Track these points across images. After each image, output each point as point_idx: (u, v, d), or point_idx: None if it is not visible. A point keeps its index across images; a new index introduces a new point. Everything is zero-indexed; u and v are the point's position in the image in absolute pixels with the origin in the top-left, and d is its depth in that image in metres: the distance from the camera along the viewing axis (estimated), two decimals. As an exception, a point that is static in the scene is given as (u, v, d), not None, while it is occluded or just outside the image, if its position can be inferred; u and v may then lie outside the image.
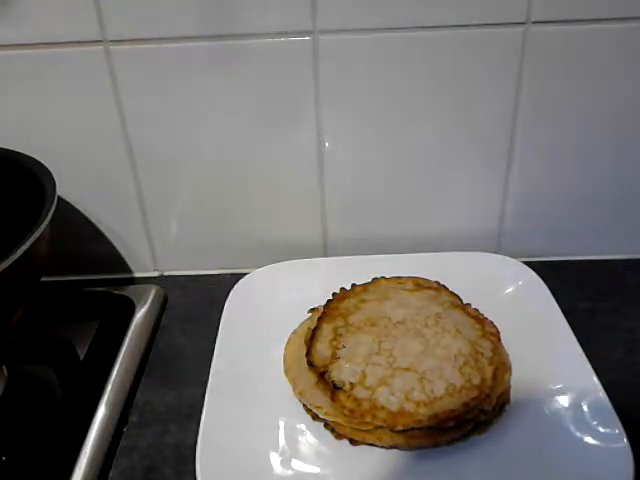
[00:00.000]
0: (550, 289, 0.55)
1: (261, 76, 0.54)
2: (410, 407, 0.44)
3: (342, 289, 0.54)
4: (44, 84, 0.55)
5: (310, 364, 0.48)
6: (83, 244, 0.63)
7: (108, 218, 0.63)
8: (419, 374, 0.46)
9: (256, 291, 0.57)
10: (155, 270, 0.66)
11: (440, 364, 0.47)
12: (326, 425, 0.46)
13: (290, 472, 0.43)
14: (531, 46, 0.52)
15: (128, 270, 0.66)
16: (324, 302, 0.53)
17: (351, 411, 0.44)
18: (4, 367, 0.53)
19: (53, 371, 0.53)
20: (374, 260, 0.59)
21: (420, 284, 0.55)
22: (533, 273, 0.57)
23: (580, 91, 0.54)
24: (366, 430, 0.44)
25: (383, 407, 0.44)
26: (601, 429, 0.44)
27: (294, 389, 0.48)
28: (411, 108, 0.56)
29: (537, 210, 0.61)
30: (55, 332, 0.57)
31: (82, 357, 0.54)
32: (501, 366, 0.48)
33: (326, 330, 0.50)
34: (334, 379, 0.46)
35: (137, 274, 0.66)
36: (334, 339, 0.49)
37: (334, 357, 0.48)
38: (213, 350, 0.51)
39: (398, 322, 0.50)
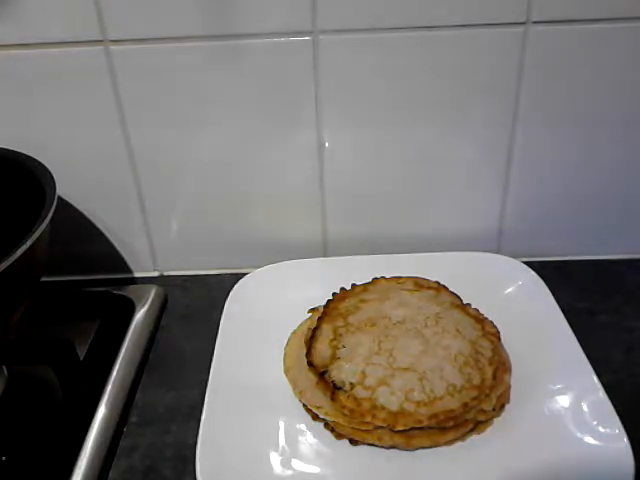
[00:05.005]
0: (550, 289, 0.55)
1: (261, 76, 0.54)
2: (410, 407, 0.44)
3: (342, 289, 0.55)
4: (44, 84, 0.55)
5: (310, 364, 0.48)
6: (83, 244, 0.63)
7: (108, 218, 0.63)
8: (419, 374, 0.46)
9: (256, 291, 0.57)
10: (155, 270, 0.66)
11: (440, 364, 0.47)
12: (326, 425, 0.46)
13: (290, 472, 0.44)
14: (531, 46, 0.52)
15: (128, 270, 0.66)
16: (324, 302, 0.53)
17: (351, 411, 0.44)
18: (4, 367, 0.53)
19: (53, 371, 0.53)
20: (374, 260, 0.59)
21: (420, 284, 0.55)
22: (533, 273, 0.57)
23: (580, 91, 0.54)
24: (366, 430, 0.44)
25: (383, 407, 0.44)
26: (601, 429, 0.44)
27: (294, 389, 0.48)
28: (411, 108, 0.56)
29: (537, 210, 0.61)
30: (55, 332, 0.57)
31: (82, 357, 0.54)
32: (501, 366, 0.48)
33: (326, 330, 0.50)
34: (334, 379, 0.46)
35: (137, 274, 0.66)
36: (334, 339, 0.49)
37: (334, 357, 0.48)
38: (213, 350, 0.51)
39: (398, 322, 0.50)
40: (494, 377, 0.46)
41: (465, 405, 0.44)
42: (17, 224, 0.48)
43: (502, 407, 0.47)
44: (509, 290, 0.56)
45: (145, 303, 0.60)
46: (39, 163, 0.52)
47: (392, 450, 0.45)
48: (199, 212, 0.62)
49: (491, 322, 0.51)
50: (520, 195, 0.60)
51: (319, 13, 0.51)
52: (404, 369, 0.46)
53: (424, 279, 0.55)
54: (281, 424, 0.47)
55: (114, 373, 0.52)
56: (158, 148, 0.58)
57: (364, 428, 0.44)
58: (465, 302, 0.53)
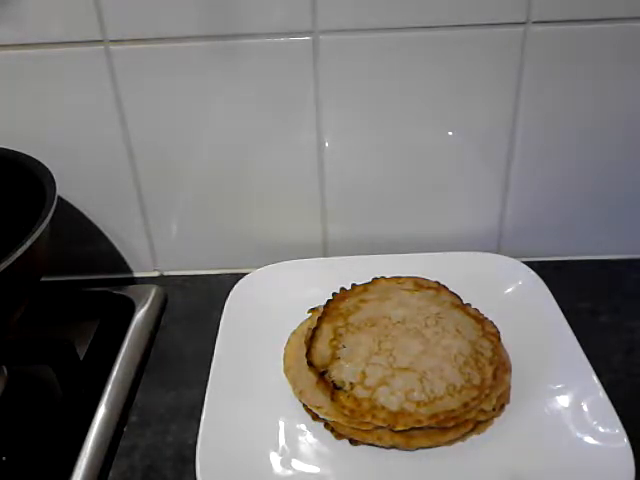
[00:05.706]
0: (550, 289, 0.55)
1: (261, 76, 0.54)
2: (410, 407, 0.44)
3: (342, 289, 0.54)
4: (44, 84, 0.55)
5: (310, 364, 0.48)
6: (83, 244, 0.63)
7: (108, 218, 0.63)
8: (419, 374, 0.46)
9: (256, 291, 0.57)
10: (155, 270, 0.66)
11: (440, 364, 0.46)
12: (326, 425, 0.46)
13: (290, 472, 0.44)
14: (531, 46, 0.52)
15: (128, 270, 0.66)
16: (324, 302, 0.53)
17: (351, 411, 0.44)
18: (4, 367, 0.53)
19: (53, 371, 0.53)
20: (374, 260, 0.59)
21: (420, 284, 0.55)
22: (533, 273, 0.57)
23: (580, 91, 0.54)
24: (366, 430, 0.44)
25: (383, 407, 0.44)
26: (601, 429, 0.44)
27: (294, 389, 0.48)
28: (411, 108, 0.56)
29: (537, 210, 0.61)
30: (55, 332, 0.57)
31: (82, 357, 0.54)
32: (501, 366, 0.48)
33: (326, 330, 0.50)
34: (334, 379, 0.46)
35: (137, 274, 0.66)
36: (334, 339, 0.49)
37: (334, 357, 0.48)
38: (213, 350, 0.51)
39: (398, 322, 0.50)
40: (494, 377, 0.46)
41: (465, 405, 0.44)
42: (17, 224, 0.48)
43: (502, 407, 0.47)
44: (509, 290, 0.56)
45: (145, 303, 0.60)
46: (39, 163, 0.52)
47: (392, 450, 0.45)
48: (199, 212, 0.62)
49: (491, 322, 0.51)
50: (520, 195, 0.60)
51: (319, 13, 0.51)
52: (404, 369, 0.46)
53: (424, 279, 0.55)
54: (281, 424, 0.47)
55: (114, 373, 0.52)
56: (158, 148, 0.58)
57: (364, 428, 0.44)
58: (465, 302, 0.53)
